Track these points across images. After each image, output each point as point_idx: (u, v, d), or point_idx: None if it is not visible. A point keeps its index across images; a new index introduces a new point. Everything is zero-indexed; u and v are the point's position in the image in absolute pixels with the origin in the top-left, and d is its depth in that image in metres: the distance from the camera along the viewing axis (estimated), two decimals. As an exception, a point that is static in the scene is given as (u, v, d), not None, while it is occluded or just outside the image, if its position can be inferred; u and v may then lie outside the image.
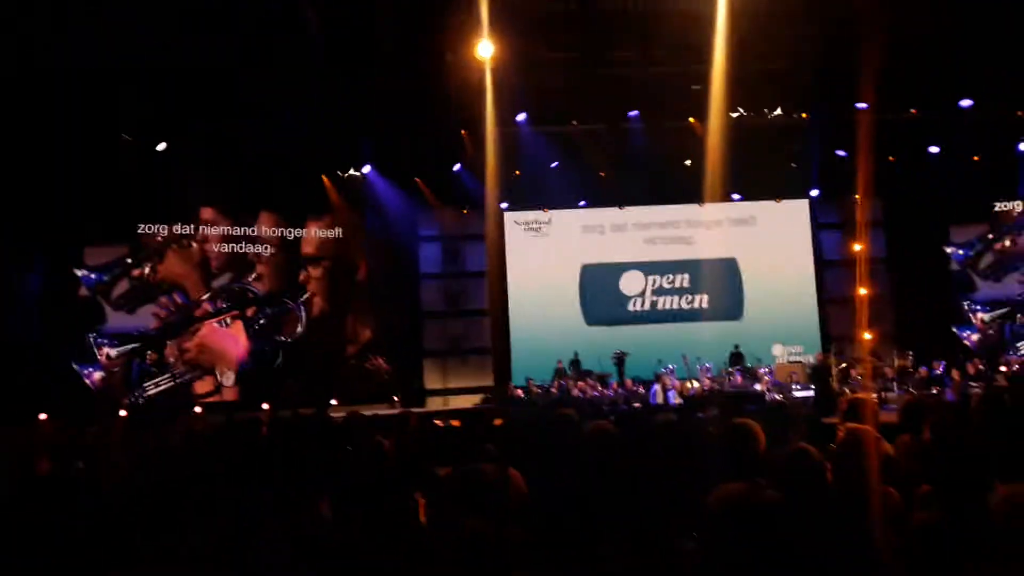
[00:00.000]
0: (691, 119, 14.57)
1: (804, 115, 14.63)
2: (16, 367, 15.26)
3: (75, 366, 15.01)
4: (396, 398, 15.55)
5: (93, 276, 15.30)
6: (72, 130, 13.03)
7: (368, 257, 16.83)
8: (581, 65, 13.53)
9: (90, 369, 15.06)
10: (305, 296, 16.33)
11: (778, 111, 14.33)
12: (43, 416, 13.92)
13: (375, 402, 14.64)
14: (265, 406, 14.47)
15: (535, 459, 3.76)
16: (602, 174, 16.63)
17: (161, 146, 13.22)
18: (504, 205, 17.14)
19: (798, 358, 15.69)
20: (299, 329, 16.16)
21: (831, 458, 3.10)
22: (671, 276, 17.25)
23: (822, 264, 17.57)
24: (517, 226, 17.57)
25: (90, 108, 12.65)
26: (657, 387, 14.09)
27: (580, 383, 14.68)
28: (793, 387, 13.75)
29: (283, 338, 16.06)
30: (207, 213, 15.98)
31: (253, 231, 16.24)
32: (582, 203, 17.39)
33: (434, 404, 16.23)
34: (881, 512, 2.65)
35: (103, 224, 15.19)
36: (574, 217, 17.52)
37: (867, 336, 15.78)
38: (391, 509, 2.99)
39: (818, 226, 17.76)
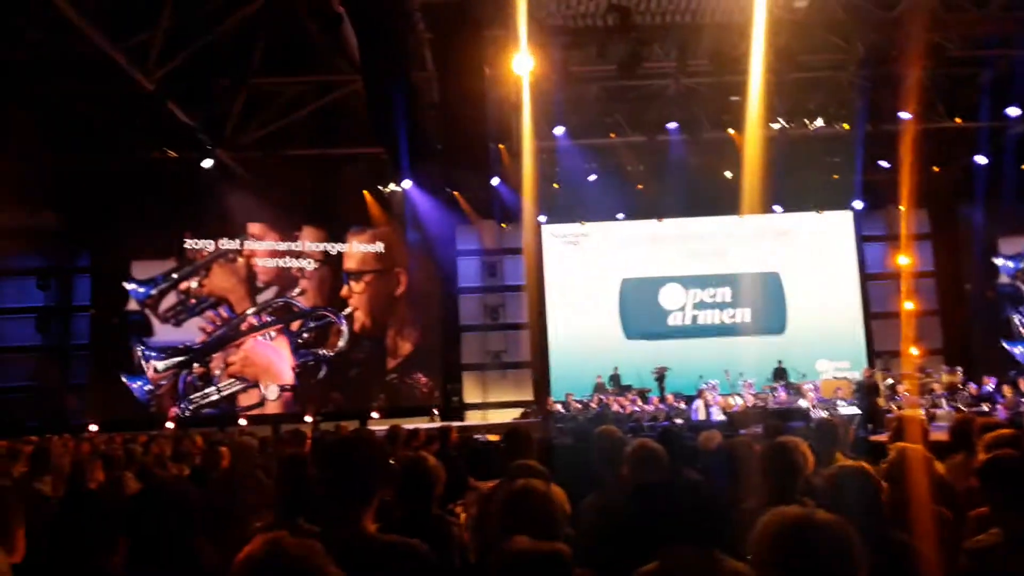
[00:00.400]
0: (730, 131, 14.46)
1: (846, 126, 14.42)
2: (65, 378, 15.74)
3: (123, 378, 15.38)
4: (435, 411, 15.62)
5: (141, 290, 15.71)
6: (121, 145, 13.43)
7: (408, 271, 16.98)
8: (619, 78, 13.52)
9: (138, 381, 15.42)
10: (347, 310, 16.53)
11: (819, 122, 14.13)
12: (93, 427, 14.30)
13: (414, 416, 14.73)
14: (308, 419, 14.68)
15: (577, 476, 3.76)
16: (640, 187, 16.57)
17: (207, 163, 13.51)
18: (542, 219, 17.18)
19: (844, 374, 15.41)
20: (341, 343, 16.36)
21: (881, 478, 3.04)
22: (712, 290, 17.09)
23: (866, 277, 17.26)
24: (555, 239, 17.59)
25: (139, 124, 13.02)
26: (699, 403, 13.94)
27: (620, 398, 14.59)
28: (839, 403, 13.51)
29: (326, 352, 16.27)
30: (253, 228, 16.32)
31: (297, 246, 16.53)
32: (620, 216, 17.34)
33: (473, 418, 16.28)
34: (934, 534, 2.60)
35: (151, 239, 15.59)
36: (613, 230, 17.47)
37: (914, 351, 15.47)
38: (434, 524, 3.01)
39: (862, 238, 17.48)
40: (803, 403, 13.64)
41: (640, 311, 17.09)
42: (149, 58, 10.72)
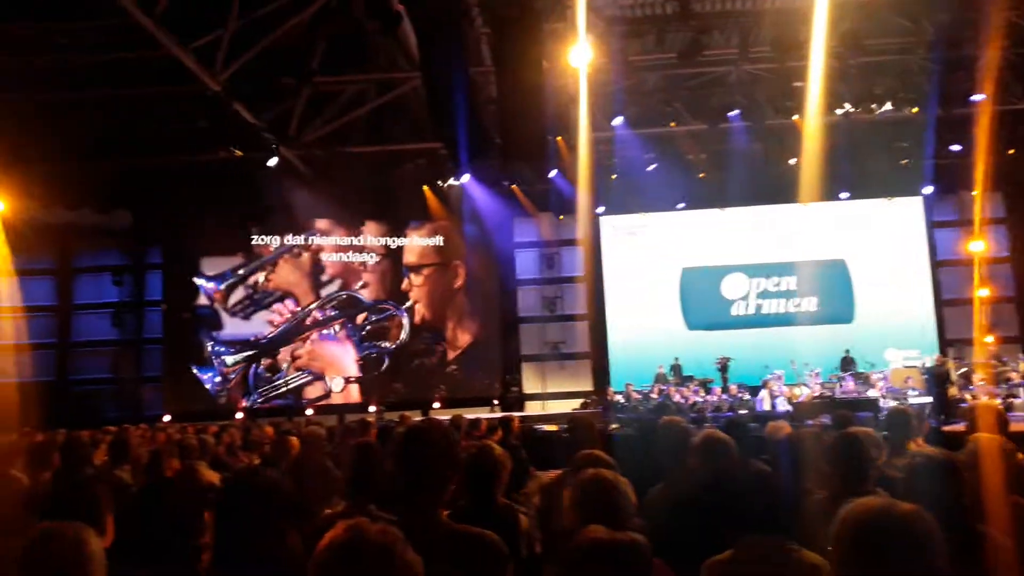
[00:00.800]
0: (794, 117, 14.16)
1: (915, 109, 13.96)
2: (140, 371, 16.38)
3: (195, 370, 15.92)
4: (495, 402, 15.74)
5: (211, 285, 16.23)
6: (190, 145, 13.87)
7: (466, 264, 17.13)
8: (678, 66, 13.35)
9: (209, 373, 15.95)
10: (408, 303, 16.76)
11: (888, 106, 13.70)
12: (167, 418, 14.84)
13: (474, 406, 14.88)
14: (372, 409, 14.98)
15: (639, 466, 3.75)
16: (702, 175, 16.35)
17: (272, 161, 13.84)
18: (601, 210, 17.11)
19: (914, 363, 14.97)
20: (403, 335, 16.61)
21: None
22: (776, 278, 16.78)
23: (938, 264, 16.72)
24: (613, 230, 17.51)
25: (206, 124, 13.42)
26: (764, 393, 13.74)
27: (682, 389, 14.47)
28: (909, 393, 13.15)
29: (388, 344, 16.54)
30: (317, 224, 16.69)
31: (359, 241, 16.84)
32: (681, 205, 17.14)
33: (532, 408, 16.37)
34: (1015, 526, 2.53)
35: (219, 235, 16.09)
36: (673, 220, 17.29)
37: (988, 339, 14.95)
38: (501, 513, 3.05)
39: (932, 224, 16.93)
40: (872, 393, 13.32)
41: (702, 301, 16.88)
42: (215, 60, 11.02)
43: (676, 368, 15.51)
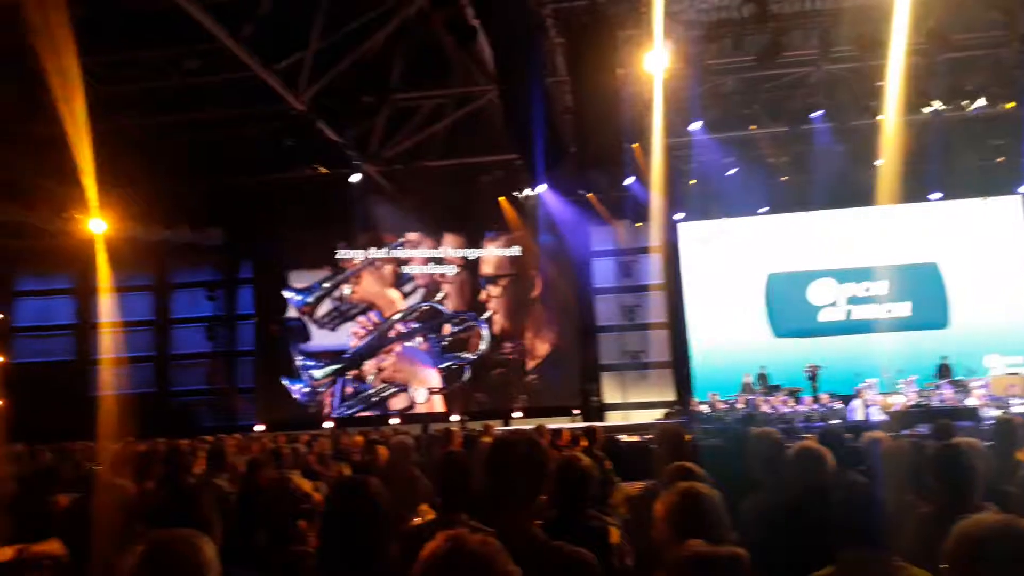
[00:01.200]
0: (879, 117, 13.68)
1: (1010, 105, 13.29)
2: (233, 382, 17.04)
3: (284, 381, 16.47)
4: (575, 412, 15.70)
5: (299, 298, 16.83)
6: (276, 163, 14.40)
7: (543, 274, 17.17)
8: (757, 68, 13.10)
9: (298, 384, 16.49)
10: (486, 314, 16.92)
11: (981, 101, 13.09)
12: (259, 427, 15.37)
13: (554, 416, 14.86)
14: (455, 418, 15.17)
15: (727, 477, 3.69)
16: (784, 179, 15.96)
17: (355, 177, 14.24)
18: (679, 216, 16.90)
19: (1017, 370, 14.21)
20: (482, 346, 16.77)
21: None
22: (866, 283, 16.21)
23: (1039, 265, 15.87)
24: (692, 237, 17.26)
25: (292, 143, 13.92)
26: (857, 402, 13.27)
27: (770, 398, 14.09)
28: (1012, 401, 12.49)
29: (468, 355, 16.73)
30: (398, 237, 17.08)
31: (439, 253, 17.14)
32: (763, 209, 16.74)
33: (613, 418, 16.24)
34: None
35: (306, 250, 16.68)
36: (755, 224, 16.91)
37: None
38: (590, 526, 3.03)
39: (1033, 224, 16.09)
40: (971, 401, 12.70)
41: (789, 307, 16.41)
42: (299, 80, 11.40)
43: (763, 377, 15.10)
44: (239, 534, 3.41)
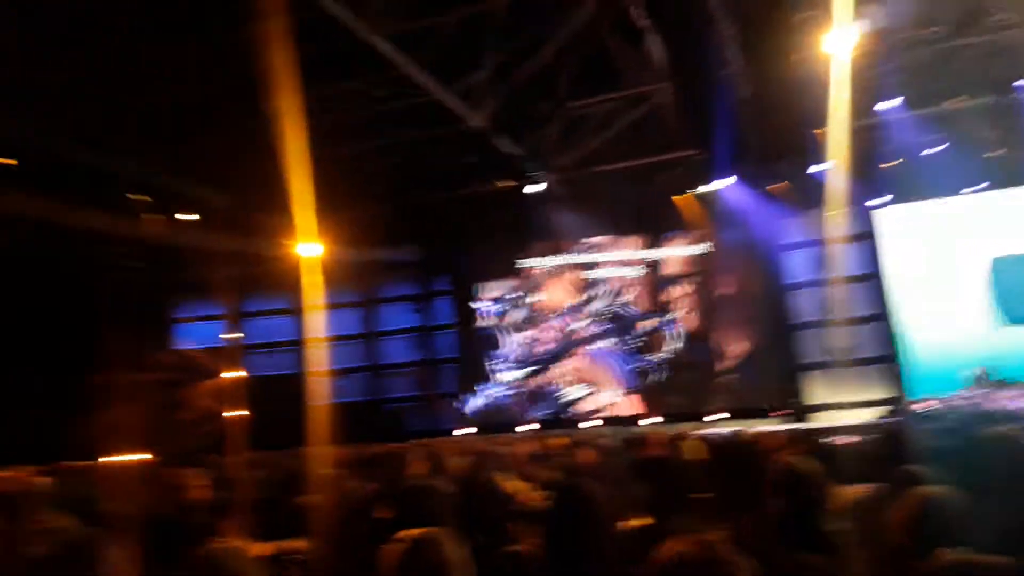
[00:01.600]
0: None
1: None
2: (438, 388, 18.28)
3: (482, 387, 17.42)
4: (777, 413, 15.08)
5: (492, 308, 17.69)
6: (463, 180, 15.06)
7: (729, 271, 16.67)
8: (955, 37, 12.02)
9: (494, 389, 17.37)
10: (672, 315, 16.72)
11: None
12: (465, 431, 16.27)
13: (751, 417, 14.40)
14: (647, 421, 15.15)
15: (963, 483, 3.46)
16: (996, 153, 14.49)
17: (535, 188, 14.66)
18: (876, 201, 15.78)
19: None
20: (670, 347, 16.59)
21: None
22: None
23: None
24: (891, 222, 16.02)
25: (475, 159, 14.59)
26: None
27: (1001, 393, 12.76)
28: None
29: (656, 356, 16.64)
30: (580, 243, 17.36)
31: (622, 256, 17.20)
32: (971, 188, 15.23)
33: (818, 419, 15.38)
34: None
35: (495, 261, 17.68)
36: (965, 204, 15.36)
37: None
38: (823, 535, 2.95)
39: None
40: None
41: (1018, 293, 14.68)
42: (478, 98, 11.87)
43: (992, 370, 13.65)
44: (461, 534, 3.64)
